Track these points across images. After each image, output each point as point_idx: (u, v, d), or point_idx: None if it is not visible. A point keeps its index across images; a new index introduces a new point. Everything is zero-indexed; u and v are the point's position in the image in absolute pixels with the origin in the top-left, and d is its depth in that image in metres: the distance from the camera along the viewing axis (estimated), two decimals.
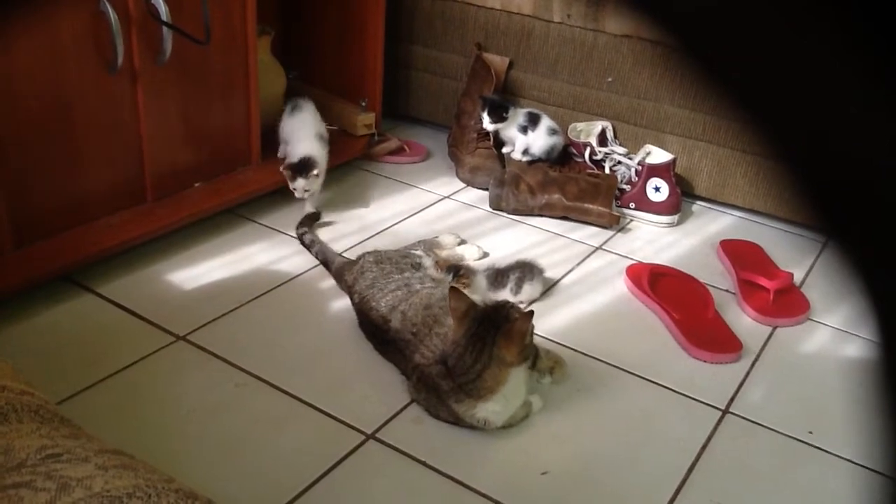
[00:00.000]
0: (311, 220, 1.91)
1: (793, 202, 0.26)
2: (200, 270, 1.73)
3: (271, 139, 2.07)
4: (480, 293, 1.63)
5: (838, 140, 0.24)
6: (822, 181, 0.26)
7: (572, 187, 2.04)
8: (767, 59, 0.24)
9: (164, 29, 1.65)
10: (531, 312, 1.28)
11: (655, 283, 1.75)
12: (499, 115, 2.11)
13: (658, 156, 2.09)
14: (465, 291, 1.52)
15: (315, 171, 1.88)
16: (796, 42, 0.23)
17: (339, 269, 1.69)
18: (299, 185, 1.88)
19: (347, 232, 1.93)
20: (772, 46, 0.24)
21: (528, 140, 2.13)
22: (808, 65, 0.24)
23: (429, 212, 2.08)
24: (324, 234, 1.89)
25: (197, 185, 1.87)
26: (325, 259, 1.76)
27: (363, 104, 2.27)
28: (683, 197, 2.11)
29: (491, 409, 1.28)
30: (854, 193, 0.25)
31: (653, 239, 2.02)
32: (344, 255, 1.79)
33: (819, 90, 0.24)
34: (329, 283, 1.71)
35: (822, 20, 0.23)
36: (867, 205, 0.25)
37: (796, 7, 0.23)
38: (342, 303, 1.63)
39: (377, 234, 1.94)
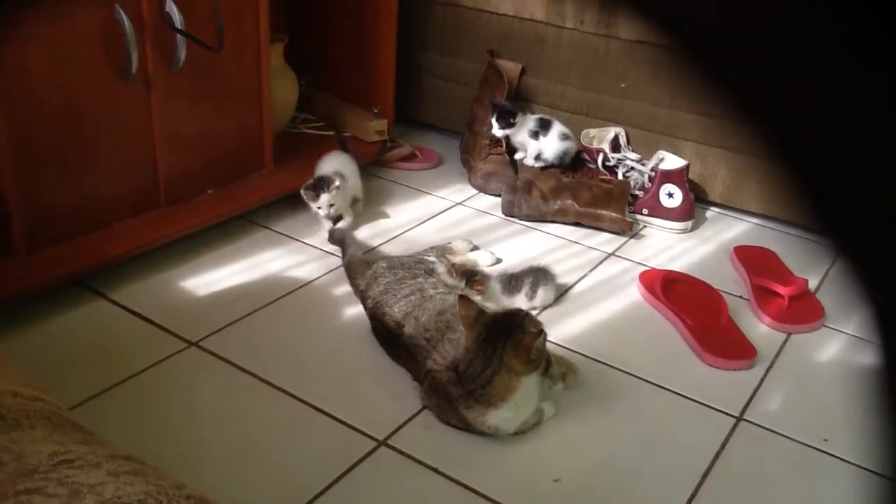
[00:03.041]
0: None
1: (794, 205, 0.25)
2: (213, 276, 1.74)
3: (284, 145, 2.08)
4: (495, 298, 1.62)
5: (838, 142, 0.24)
6: (822, 183, 0.25)
7: (585, 193, 2.04)
8: (767, 60, 0.24)
9: (178, 36, 1.66)
10: (542, 331, 1.27)
11: (669, 289, 1.74)
12: (506, 121, 2.10)
13: (671, 162, 2.09)
14: (480, 297, 1.52)
15: (336, 183, 1.85)
16: (796, 43, 0.23)
17: (350, 265, 1.71)
18: (323, 200, 1.85)
19: (360, 238, 1.93)
20: (771, 47, 0.24)
21: (539, 145, 2.12)
22: (808, 66, 0.23)
23: (441, 218, 2.08)
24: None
25: (210, 191, 1.88)
26: (344, 240, 1.80)
27: (375, 111, 2.28)
28: (697, 203, 2.11)
29: (502, 417, 1.28)
30: (854, 195, 0.25)
31: (666, 245, 2.01)
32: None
33: (819, 92, 0.24)
34: (341, 289, 1.71)
35: (823, 21, 0.23)
36: (867, 206, 0.25)
37: (796, 8, 0.23)
38: (354, 309, 1.63)
39: (390, 240, 1.94)
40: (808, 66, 0.24)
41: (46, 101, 1.52)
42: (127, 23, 1.56)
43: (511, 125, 2.11)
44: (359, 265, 1.68)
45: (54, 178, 1.58)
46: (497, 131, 2.12)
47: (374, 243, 1.91)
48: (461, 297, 1.33)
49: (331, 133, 2.30)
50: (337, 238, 1.85)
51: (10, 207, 1.51)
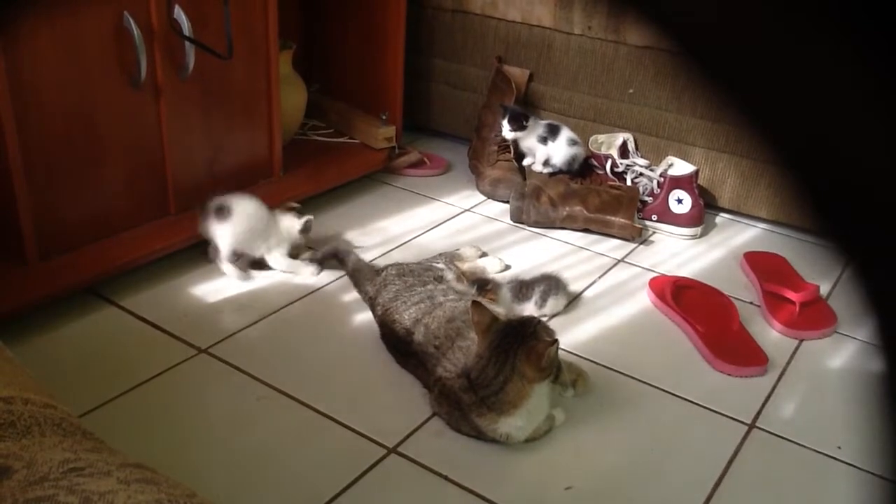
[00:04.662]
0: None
1: (798, 207, 0.25)
2: (222, 283, 1.73)
3: (293, 153, 2.08)
4: (505, 305, 1.62)
5: (838, 142, 0.24)
6: (822, 184, 0.25)
7: (594, 199, 2.03)
8: (767, 62, 0.24)
9: (187, 44, 1.66)
10: (556, 341, 1.26)
11: (679, 295, 1.73)
12: (519, 123, 2.10)
13: (680, 167, 2.08)
14: (491, 304, 1.51)
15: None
16: (797, 44, 0.23)
17: (357, 269, 1.70)
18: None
19: (369, 245, 1.93)
20: (772, 49, 0.23)
21: (548, 151, 2.12)
22: (808, 67, 0.23)
23: (450, 224, 2.07)
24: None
25: None
26: (336, 252, 1.78)
27: (384, 117, 2.28)
28: (707, 209, 2.10)
29: (514, 424, 1.27)
30: (853, 195, 0.25)
31: (676, 251, 2.01)
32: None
33: (819, 93, 0.23)
34: (349, 296, 1.71)
35: (823, 24, 0.22)
36: (866, 207, 0.25)
37: (797, 11, 0.23)
38: (363, 315, 1.63)
39: (398, 246, 1.93)
40: (808, 66, 0.23)
41: (56, 110, 1.52)
42: (136, 30, 1.57)
43: (523, 127, 2.10)
44: (366, 271, 1.68)
45: (64, 186, 1.58)
46: (508, 133, 2.12)
47: (383, 250, 1.90)
48: (474, 303, 1.32)
49: (340, 140, 2.31)
50: (328, 253, 1.78)
51: (22, 216, 1.51)
